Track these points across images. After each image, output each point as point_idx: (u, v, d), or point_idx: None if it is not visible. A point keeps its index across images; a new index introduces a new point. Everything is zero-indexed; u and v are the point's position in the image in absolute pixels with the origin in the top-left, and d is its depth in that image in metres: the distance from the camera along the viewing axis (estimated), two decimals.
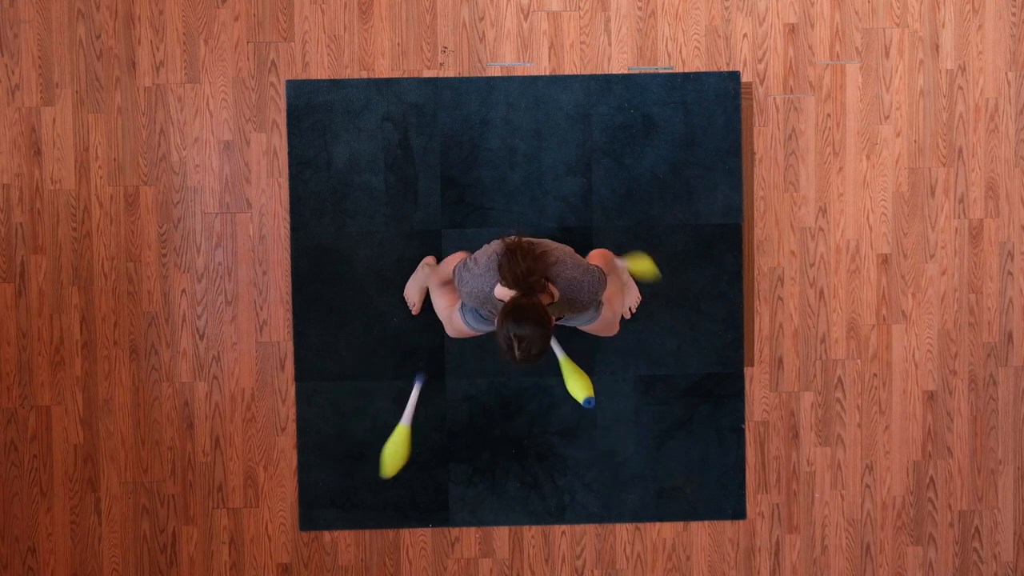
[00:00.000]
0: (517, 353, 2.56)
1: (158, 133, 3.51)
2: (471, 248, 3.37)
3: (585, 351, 3.47)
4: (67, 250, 3.51)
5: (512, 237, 2.70)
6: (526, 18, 3.52)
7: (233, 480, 3.56)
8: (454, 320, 3.09)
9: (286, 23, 3.51)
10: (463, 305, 3.03)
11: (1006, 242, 3.58)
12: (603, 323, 3.06)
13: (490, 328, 3.02)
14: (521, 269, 2.60)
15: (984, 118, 3.57)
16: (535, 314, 2.57)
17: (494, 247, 2.79)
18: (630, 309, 3.47)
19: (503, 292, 2.69)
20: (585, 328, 3.08)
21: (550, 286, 2.71)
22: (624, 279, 3.43)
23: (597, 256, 3.26)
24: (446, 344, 3.49)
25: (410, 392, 3.40)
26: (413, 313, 3.46)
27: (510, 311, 2.58)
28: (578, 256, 2.87)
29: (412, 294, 3.45)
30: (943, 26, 3.55)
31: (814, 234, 3.57)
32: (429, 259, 3.44)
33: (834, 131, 3.56)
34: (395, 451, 3.20)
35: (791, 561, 3.62)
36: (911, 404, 3.60)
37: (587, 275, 2.79)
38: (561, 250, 2.81)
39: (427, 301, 3.45)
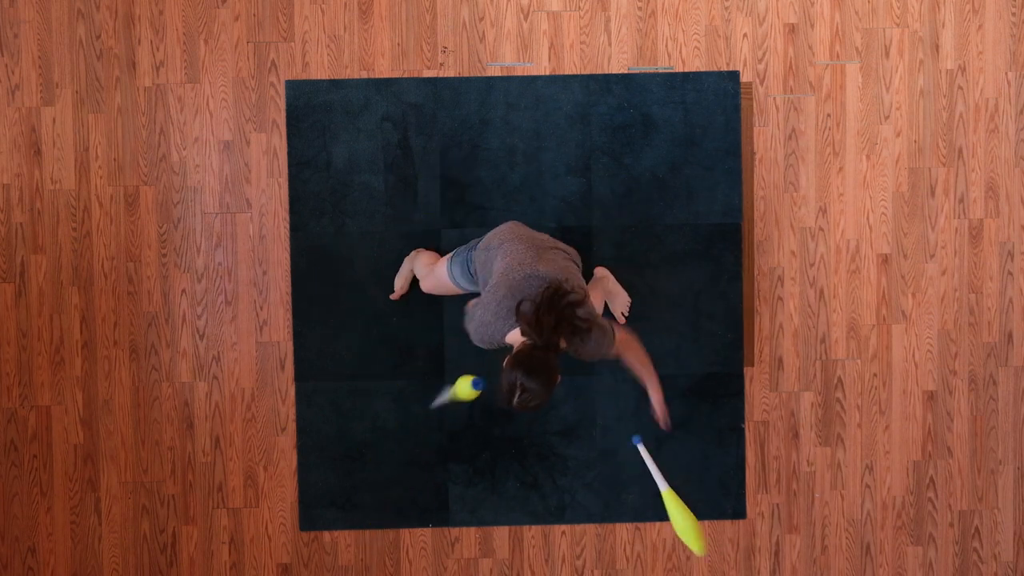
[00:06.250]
0: (516, 401, 2.51)
1: (158, 133, 3.51)
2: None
3: None
4: (67, 250, 3.51)
5: (552, 290, 2.58)
6: (526, 18, 3.52)
7: (233, 480, 3.56)
8: (437, 271, 3.06)
9: (286, 23, 3.51)
10: (452, 257, 3.01)
11: (1006, 242, 3.58)
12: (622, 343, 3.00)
13: (474, 288, 2.98)
14: (550, 326, 2.52)
15: (984, 118, 3.56)
16: (547, 370, 2.51)
17: (512, 282, 2.68)
18: (623, 314, 3.47)
19: (515, 338, 2.64)
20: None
21: (562, 341, 2.63)
22: (609, 287, 3.43)
23: (600, 279, 3.34)
24: (446, 344, 3.49)
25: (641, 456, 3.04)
26: (392, 298, 3.43)
27: (524, 360, 2.51)
28: (598, 314, 2.73)
29: (397, 282, 3.43)
30: (943, 26, 3.55)
31: (814, 234, 3.57)
32: (417, 250, 3.45)
33: (834, 131, 3.56)
34: (683, 515, 2.86)
35: (791, 561, 3.62)
36: (911, 404, 3.60)
37: (603, 339, 2.68)
38: (597, 319, 2.67)
39: (414, 296, 3.45)
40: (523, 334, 2.57)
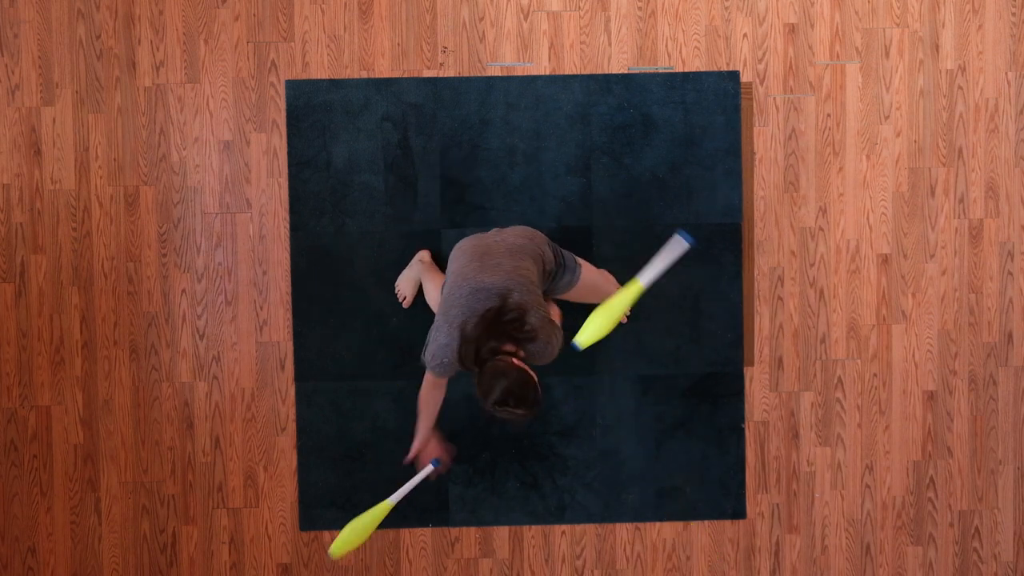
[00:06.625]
0: (517, 411, 2.44)
1: (158, 133, 3.51)
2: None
3: (586, 351, 3.46)
4: (67, 250, 3.51)
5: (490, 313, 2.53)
6: (526, 18, 3.52)
7: (233, 480, 3.56)
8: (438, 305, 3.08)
9: (286, 23, 3.51)
10: (443, 288, 2.99)
11: (1006, 242, 3.58)
12: (584, 288, 3.06)
13: None
14: (474, 351, 2.47)
15: (984, 118, 3.56)
16: (505, 367, 2.46)
17: (460, 299, 2.62)
18: (624, 313, 3.46)
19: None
20: (564, 296, 3.05)
21: (506, 347, 2.56)
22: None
23: (596, 276, 3.29)
24: None
25: (416, 472, 3.01)
26: (404, 306, 3.46)
27: (480, 380, 2.47)
28: (543, 314, 2.64)
29: (404, 287, 3.44)
30: (943, 26, 3.55)
31: (814, 234, 3.57)
32: (423, 254, 3.44)
33: (834, 131, 3.56)
34: (362, 527, 2.86)
35: (791, 561, 3.62)
36: (911, 404, 3.60)
37: (547, 343, 2.61)
38: (539, 321, 2.59)
39: (419, 296, 3.46)
40: (464, 368, 2.53)
